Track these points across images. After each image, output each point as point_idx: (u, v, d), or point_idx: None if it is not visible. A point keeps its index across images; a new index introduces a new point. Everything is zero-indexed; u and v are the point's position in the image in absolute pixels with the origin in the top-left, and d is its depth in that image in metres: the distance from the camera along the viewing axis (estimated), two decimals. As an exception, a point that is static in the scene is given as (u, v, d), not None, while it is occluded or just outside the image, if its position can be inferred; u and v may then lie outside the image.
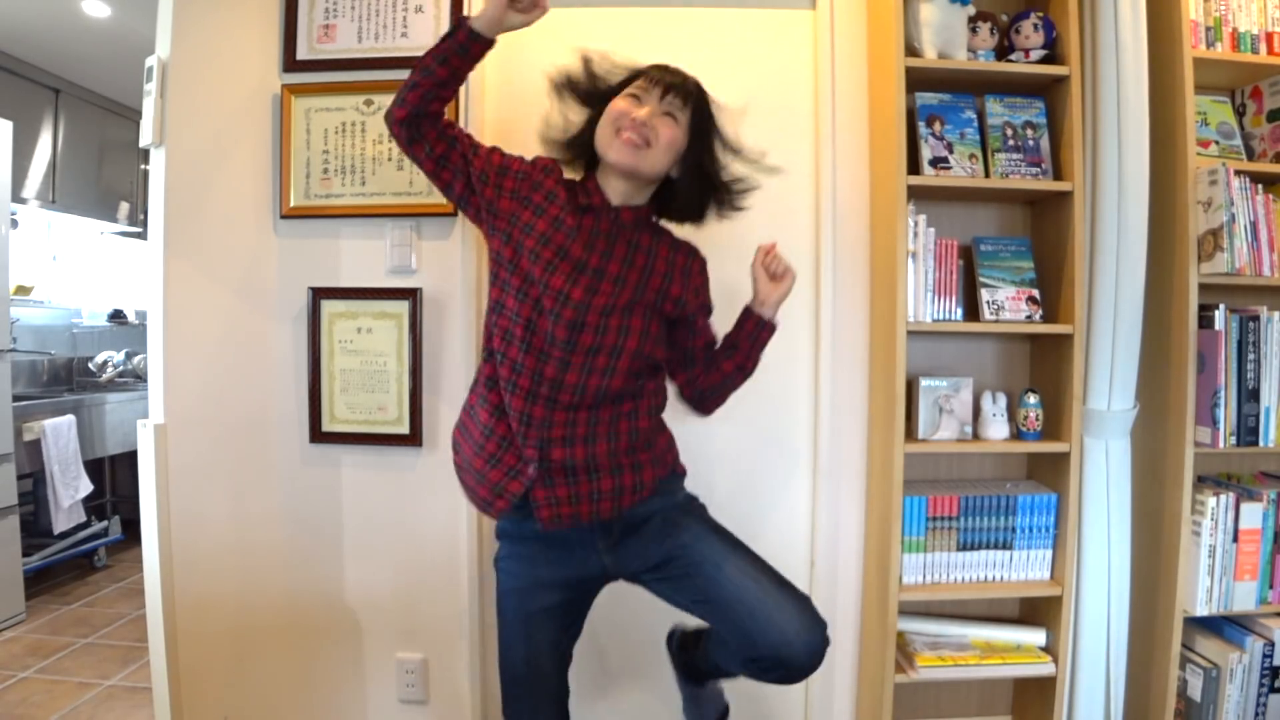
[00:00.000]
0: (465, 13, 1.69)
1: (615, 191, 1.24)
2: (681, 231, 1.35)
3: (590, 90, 1.28)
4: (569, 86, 1.29)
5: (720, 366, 1.32)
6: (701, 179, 1.27)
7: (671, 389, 1.35)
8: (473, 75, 1.68)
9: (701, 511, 1.29)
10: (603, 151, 1.22)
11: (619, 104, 1.21)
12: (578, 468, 1.17)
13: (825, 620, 1.16)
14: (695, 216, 1.32)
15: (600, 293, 1.17)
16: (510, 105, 1.77)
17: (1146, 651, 1.66)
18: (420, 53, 1.68)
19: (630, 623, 1.73)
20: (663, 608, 1.27)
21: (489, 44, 1.19)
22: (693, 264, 1.30)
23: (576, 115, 1.30)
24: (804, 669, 1.15)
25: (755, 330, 1.31)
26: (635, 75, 1.25)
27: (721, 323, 1.37)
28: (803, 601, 1.16)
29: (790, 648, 1.13)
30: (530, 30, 1.79)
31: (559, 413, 1.16)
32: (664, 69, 1.24)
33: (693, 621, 1.34)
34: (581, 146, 1.28)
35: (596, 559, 1.23)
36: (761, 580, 1.17)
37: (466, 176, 1.23)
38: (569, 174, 1.30)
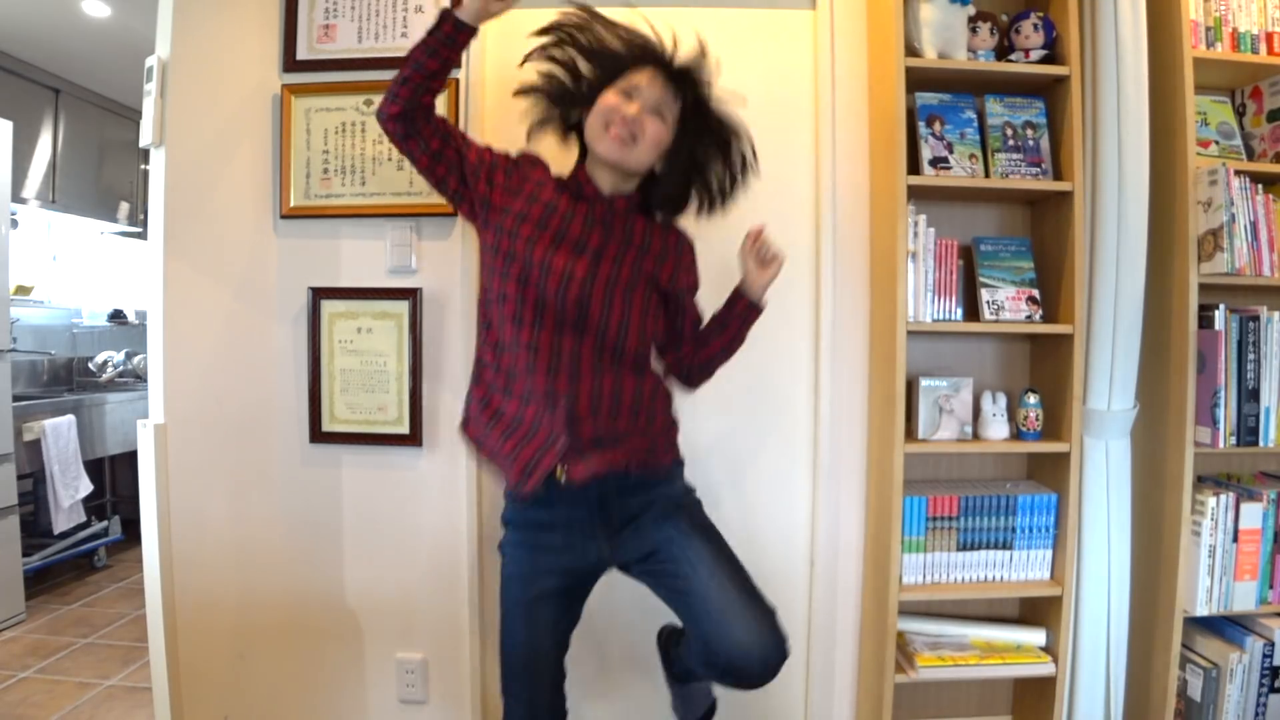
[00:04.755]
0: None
1: (605, 181, 1.28)
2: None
3: (593, 46, 1.30)
4: (578, 32, 1.30)
5: (709, 344, 1.37)
6: (686, 175, 1.30)
7: (658, 366, 1.38)
8: (472, 73, 1.71)
9: (695, 507, 1.31)
10: (592, 144, 1.26)
11: (611, 98, 1.24)
12: (603, 436, 1.21)
13: (786, 635, 1.18)
14: (677, 208, 1.35)
15: (601, 269, 1.21)
16: (510, 103, 1.77)
17: (1146, 651, 1.66)
18: (418, 52, 1.71)
19: (629, 613, 1.73)
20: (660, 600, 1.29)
21: (474, 32, 1.23)
22: (682, 245, 1.35)
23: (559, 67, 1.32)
24: (756, 678, 1.16)
25: (745, 312, 1.36)
26: (633, 58, 1.26)
27: (710, 302, 1.40)
28: (766, 613, 1.18)
29: (745, 657, 1.14)
30: (530, 29, 1.79)
31: (584, 382, 1.19)
32: (660, 64, 1.26)
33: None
34: (569, 102, 1.30)
35: (595, 548, 1.25)
36: (730, 586, 1.19)
37: (461, 172, 1.27)
38: (552, 147, 1.34)
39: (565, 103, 1.31)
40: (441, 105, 1.69)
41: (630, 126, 1.21)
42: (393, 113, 1.22)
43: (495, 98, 1.77)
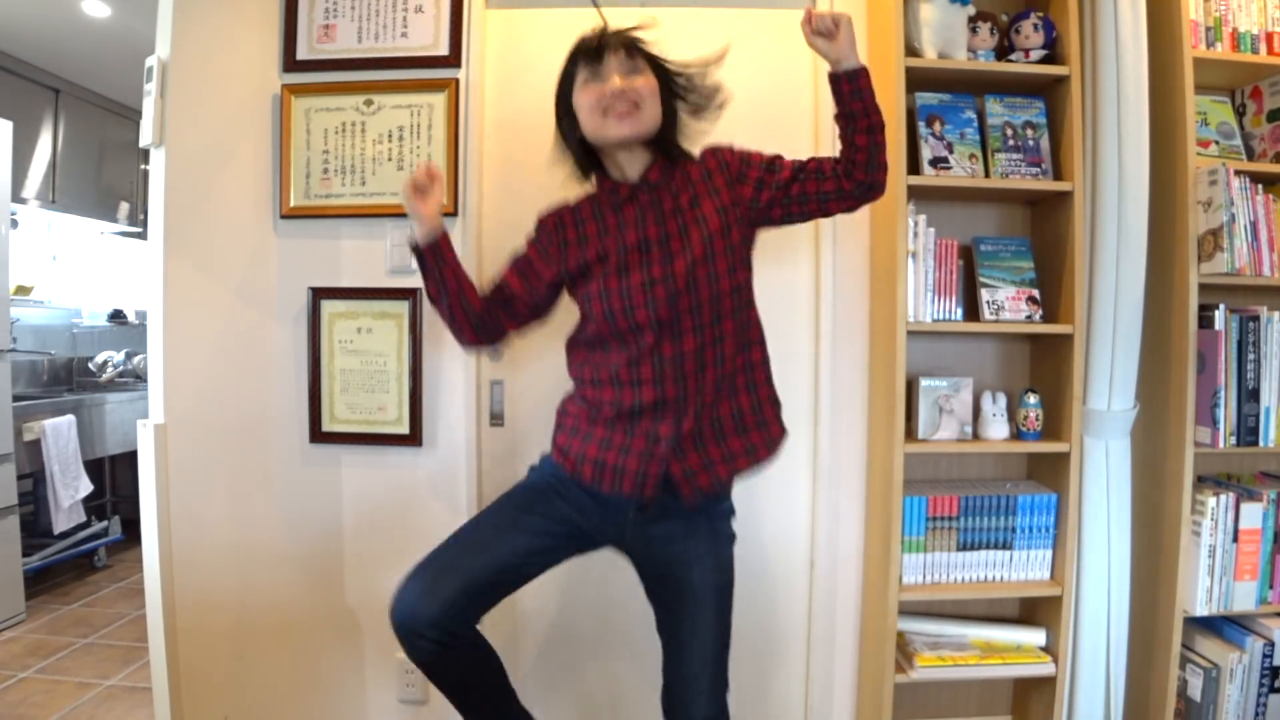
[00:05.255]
0: (463, 16, 1.71)
1: (631, 167, 1.25)
2: None
3: (556, 107, 1.29)
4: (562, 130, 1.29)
5: (855, 143, 1.19)
6: (676, 104, 1.27)
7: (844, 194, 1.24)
8: (472, 73, 1.71)
9: (727, 547, 1.29)
10: (602, 138, 1.21)
11: (587, 96, 1.21)
12: (705, 435, 1.20)
13: (726, 711, 1.25)
14: (691, 137, 1.31)
15: (673, 254, 1.19)
16: (510, 103, 1.78)
17: (1146, 651, 1.66)
18: (420, 53, 1.72)
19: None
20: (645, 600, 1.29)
21: (442, 244, 1.25)
22: (714, 160, 1.26)
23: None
24: None
25: (854, 84, 1.17)
26: (573, 62, 1.24)
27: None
28: (720, 685, 1.25)
29: (683, 707, 1.23)
30: (530, 30, 1.80)
31: (690, 382, 1.18)
32: (596, 41, 1.23)
33: None
34: (580, 148, 1.28)
35: (621, 524, 1.24)
36: (706, 646, 1.23)
37: (543, 298, 1.29)
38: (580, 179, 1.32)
39: (570, 159, 1.30)
40: (441, 105, 1.70)
41: (626, 96, 1.18)
42: (475, 341, 1.29)
43: (496, 98, 1.77)
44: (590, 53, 1.21)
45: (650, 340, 1.18)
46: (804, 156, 1.25)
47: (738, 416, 1.23)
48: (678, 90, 1.27)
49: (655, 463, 1.19)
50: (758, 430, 1.25)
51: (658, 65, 1.25)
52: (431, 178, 1.24)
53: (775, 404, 1.29)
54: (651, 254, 1.20)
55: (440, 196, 1.26)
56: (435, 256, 1.24)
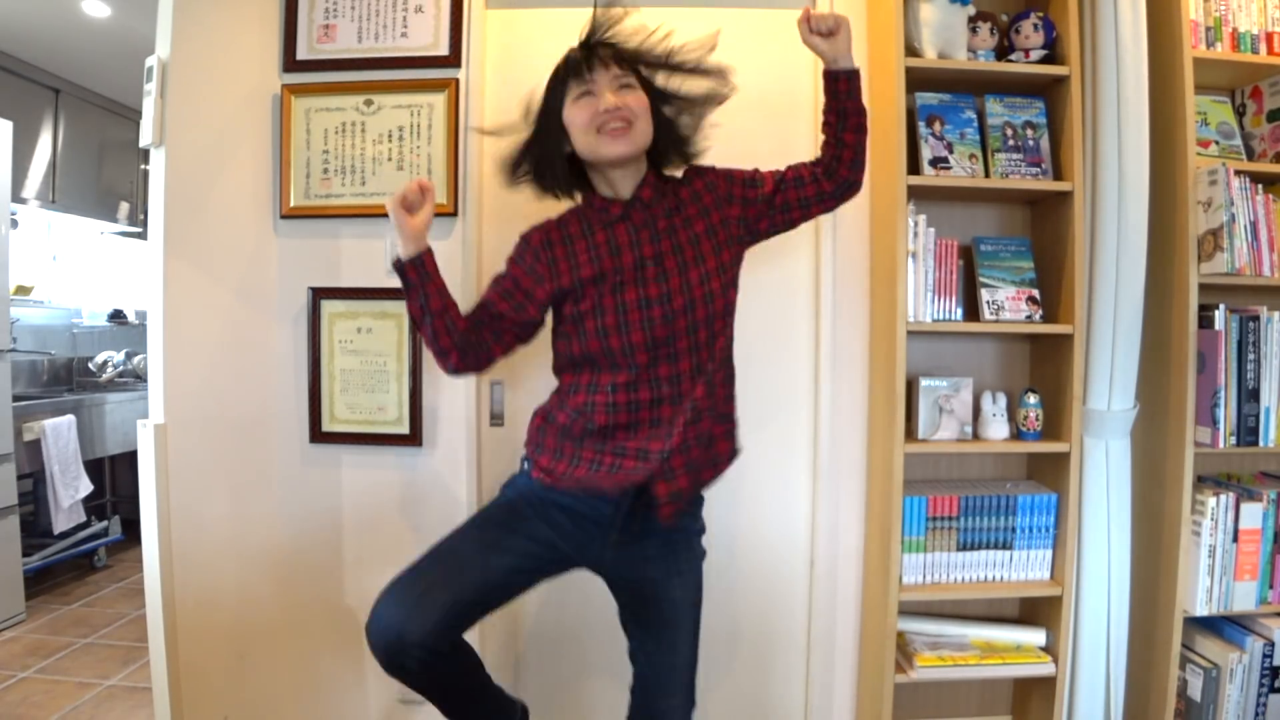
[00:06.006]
0: (463, 16, 1.71)
1: (623, 184, 1.23)
2: None
3: (539, 123, 1.25)
4: (529, 145, 1.26)
5: (843, 140, 1.23)
6: (670, 116, 1.26)
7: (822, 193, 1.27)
8: (472, 73, 1.71)
9: (697, 567, 1.30)
10: (596, 156, 1.20)
11: (579, 112, 1.18)
12: (692, 451, 1.20)
13: None
14: (686, 152, 1.30)
15: (669, 272, 1.18)
16: (510, 103, 1.77)
17: (1146, 651, 1.66)
18: (420, 53, 1.72)
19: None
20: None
21: (425, 259, 1.19)
22: (702, 180, 1.27)
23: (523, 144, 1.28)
24: None
25: (847, 83, 1.22)
26: (563, 74, 1.21)
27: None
28: (689, 708, 1.29)
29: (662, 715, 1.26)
30: (530, 29, 1.79)
31: (683, 402, 1.18)
32: (584, 53, 1.20)
33: None
34: (566, 164, 1.25)
35: (598, 548, 1.23)
36: (676, 666, 1.27)
37: (539, 308, 1.24)
38: (553, 198, 1.29)
39: (544, 145, 1.25)
40: (441, 105, 1.70)
41: (618, 114, 1.16)
42: (459, 366, 1.23)
43: (496, 98, 1.77)
44: (578, 66, 1.19)
45: (644, 360, 1.17)
46: (779, 167, 1.28)
47: (712, 432, 1.23)
48: (668, 99, 1.25)
49: (640, 479, 1.18)
50: (725, 441, 1.27)
51: (649, 80, 1.23)
52: (424, 192, 1.18)
53: (736, 420, 1.30)
54: (647, 273, 1.18)
55: (430, 213, 1.20)
56: (419, 274, 1.18)
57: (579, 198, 1.29)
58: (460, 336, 1.21)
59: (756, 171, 1.28)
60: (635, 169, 1.23)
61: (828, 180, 1.24)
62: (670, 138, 1.27)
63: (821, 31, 1.19)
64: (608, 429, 1.19)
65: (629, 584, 1.27)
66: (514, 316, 1.23)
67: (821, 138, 1.26)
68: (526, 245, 1.26)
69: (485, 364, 1.26)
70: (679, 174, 1.30)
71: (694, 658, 1.29)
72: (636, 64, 1.22)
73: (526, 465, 1.28)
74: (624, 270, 1.19)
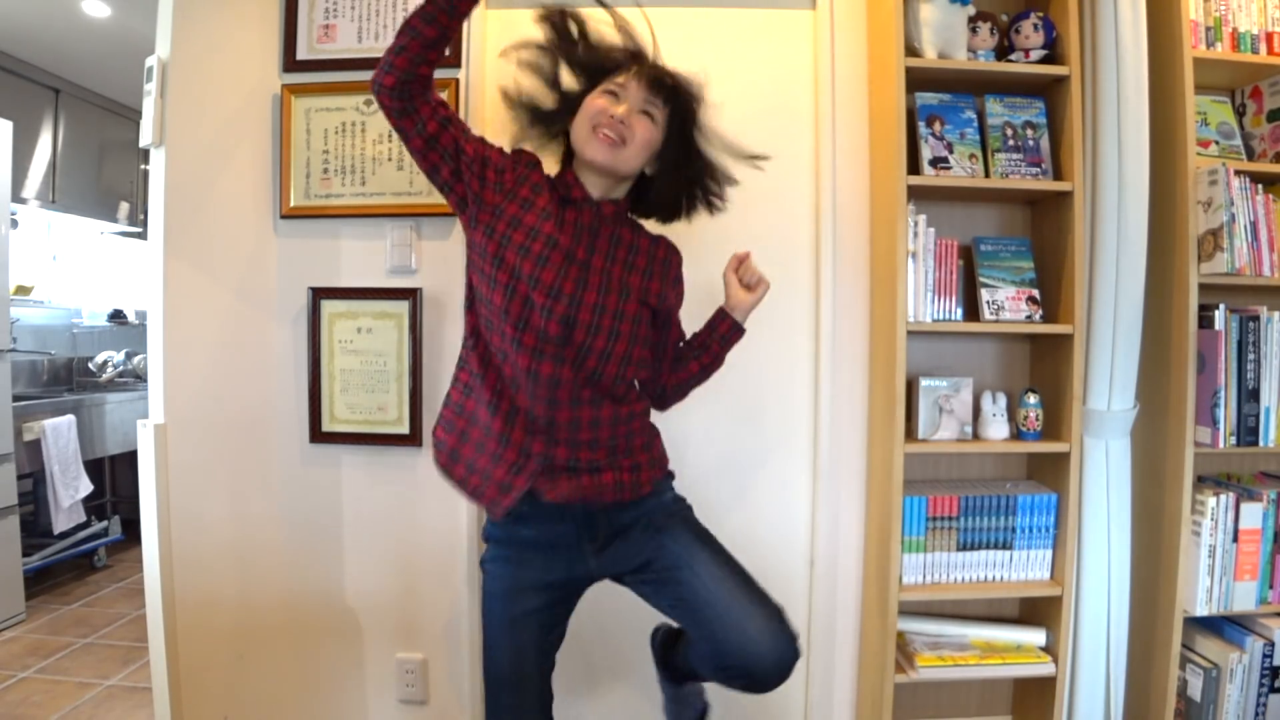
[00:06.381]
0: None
1: (594, 185, 1.23)
2: (670, 228, 1.35)
3: (575, 56, 1.26)
4: (559, 43, 1.26)
5: (688, 366, 1.35)
6: (678, 178, 1.27)
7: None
8: (472, 73, 1.71)
9: (687, 513, 1.29)
10: (580, 147, 1.21)
11: (597, 100, 1.20)
12: (580, 466, 1.18)
13: (797, 633, 1.17)
14: (669, 214, 1.33)
15: (590, 287, 1.17)
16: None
17: (1146, 651, 1.66)
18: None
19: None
20: (647, 606, 1.28)
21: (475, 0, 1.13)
22: (672, 259, 1.31)
23: (543, 78, 1.28)
24: (769, 679, 1.14)
25: (728, 333, 1.34)
26: (616, 64, 1.24)
27: (692, 320, 1.39)
28: (775, 612, 1.16)
29: (758, 658, 1.13)
30: (530, 29, 1.79)
31: (561, 412, 1.16)
32: (645, 65, 1.23)
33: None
34: (551, 122, 1.27)
35: (582, 562, 1.23)
36: (734, 587, 1.17)
37: (456, 162, 1.19)
38: (545, 159, 1.30)
39: (549, 116, 1.27)
40: (441, 105, 1.70)
41: (619, 128, 1.17)
42: (387, 84, 1.12)
43: (496, 98, 1.77)
44: (631, 70, 1.21)
45: (531, 341, 1.14)
46: (685, 333, 1.38)
47: (611, 455, 1.21)
48: (683, 164, 1.26)
49: (522, 477, 1.16)
50: (629, 472, 1.22)
51: (679, 131, 1.24)
52: None
53: (648, 451, 1.28)
54: (571, 270, 1.16)
55: None
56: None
57: (550, 157, 1.30)
58: (414, 78, 1.13)
59: (680, 301, 1.35)
60: (610, 185, 1.24)
61: (663, 371, 1.35)
62: (660, 186, 1.27)
63: (745, 282, 1.31)
64: (496, 407, 1.17)
65: (632, 571, 1.25)
66: (450, 146, 1.18)
67: (683, 348, 1.36)
68: (517, 155, 1.26)
69: (398, 105, 1.14)
70: (652, 232, 1.32)
71: (741, 574, 1.20)
72: (673, 99, 1.23)
73: (485, 517, 1.27)
74: (557, 246, 1.16)
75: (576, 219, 1.21)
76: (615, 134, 1.17)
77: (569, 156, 1.28)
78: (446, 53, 1.26)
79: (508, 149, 1.27)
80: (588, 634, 1.77)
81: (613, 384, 1.19)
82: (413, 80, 1.13)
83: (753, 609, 1.15)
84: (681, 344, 1.38)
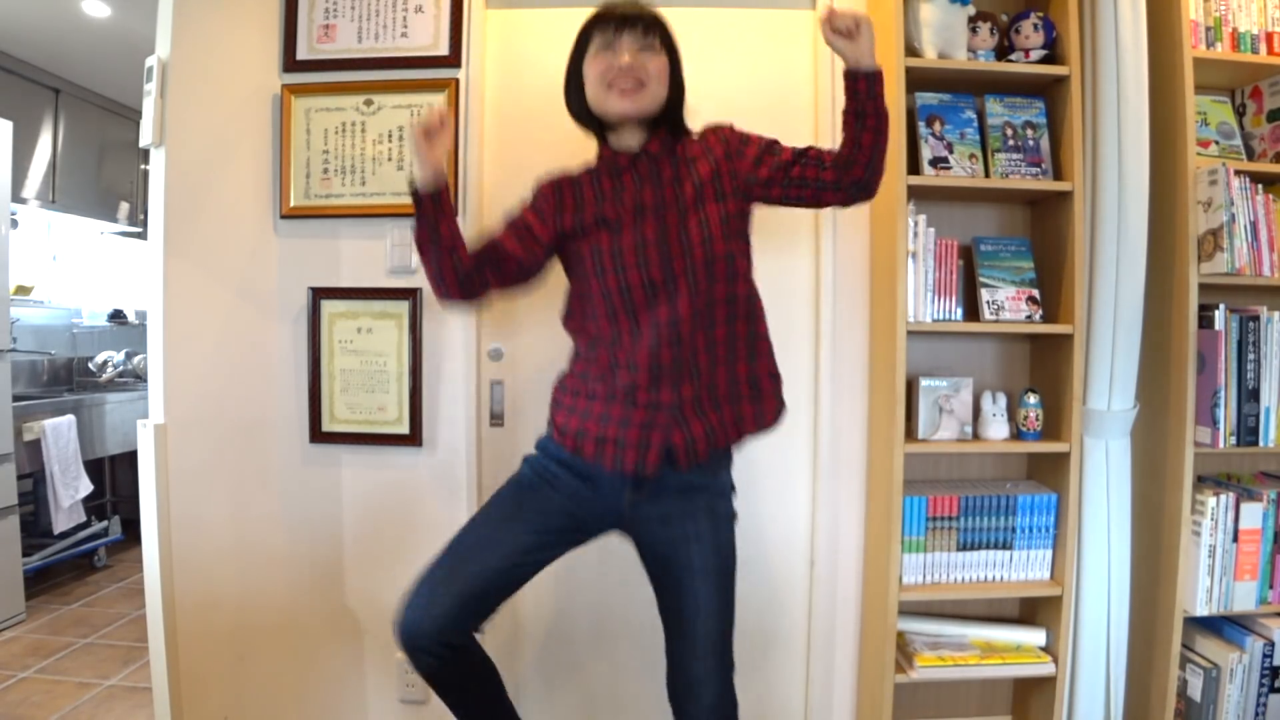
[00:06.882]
0: (463, 16, 1.71)
1: (632, 137, 1.26)
2: None
3: (567, 73, 1.29)
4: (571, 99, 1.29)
5: (859, 142, 1.20)
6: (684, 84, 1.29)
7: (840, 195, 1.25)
8: (471, 72, 1.71)
9: (727, 527, 1.28)
10: (603, 110, 1.23)
11: (596, 65, 1.22)
12: (704, 401, 1.20)
13: (736, 701, 1.25)
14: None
15: (667, 218, 1.19)
16: (511, 103, 1.78)
17: (1146, 651, 1.66)
18: (420, 53, 1.72)
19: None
20: (641, 596, 1.29)
21: (443, 193, 1.21)
22: (716, 135, 1.28)
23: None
24: (701, 714, 1.23)
25: (869, 85, 1.18)
26: (589, 29, 1.25)
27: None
28: (726, 671, 1.25)
29: (694, 688, 1.23)
30: (530, 30, 1.80)
31: (684, 348, 1.18)
32: (616, 14, 1.23)
33: None
34: (586, 115, 1.29)
35: (616, 508, 1.23)
36: (714, 640, 1.23)
37: (535, 259, 1.26)
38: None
39: (583, 120, 1.29)
40: (441, 105, 1.70)
41: (631, 74, 1.19)
42: (458, 297, 1.24)
43: (495, 97, 1.77)
44: (607, 22, 1.22)
45: (641, 299, 1.18)
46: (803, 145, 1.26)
47: (734, 385, 1.22)
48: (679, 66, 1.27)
49: (657, 431, 1.18)
50: (751, 402, 1.24)
51: (672, 45, 1.25)
52: (441, 122, 1.20)
53: (775, 378, 1.27)
54: (646, 217, 1.20)
55: (448, 143, 1.23)
56: (434, 205, 1.20)
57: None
58: (464, 271, 1.23)
59: (776, 141, 1.26)
60: (646, 129, 1.26)
61: (843, 173, 1.22)
62: (680, 100, 1.28)
63: (842, 31, 1.17)
64: (616, 377, 1.20)
65: (649, 546, 1.26)
66: (523, 258, 1.26)
67: (842, 135, 1.23)
68: (539, 191, 1.30)
69: (480, 295, 1.27)
70: (695, 130, 1.31)
71: (725, 623, 1.25)
72: (655, 24, 1.23)
73: (549, 428, 1.29)
74: (624, 215, 1.21)
75: (634, 176, 1.24)
76: (630, 81, 1.20)
77: (601, 135, 1.29)
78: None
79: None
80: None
81: (728, 291, 1.20)
82: (471, 276, 1.23)
83: (705, 653, 1.23)
84: (819, 151, 1.25)
